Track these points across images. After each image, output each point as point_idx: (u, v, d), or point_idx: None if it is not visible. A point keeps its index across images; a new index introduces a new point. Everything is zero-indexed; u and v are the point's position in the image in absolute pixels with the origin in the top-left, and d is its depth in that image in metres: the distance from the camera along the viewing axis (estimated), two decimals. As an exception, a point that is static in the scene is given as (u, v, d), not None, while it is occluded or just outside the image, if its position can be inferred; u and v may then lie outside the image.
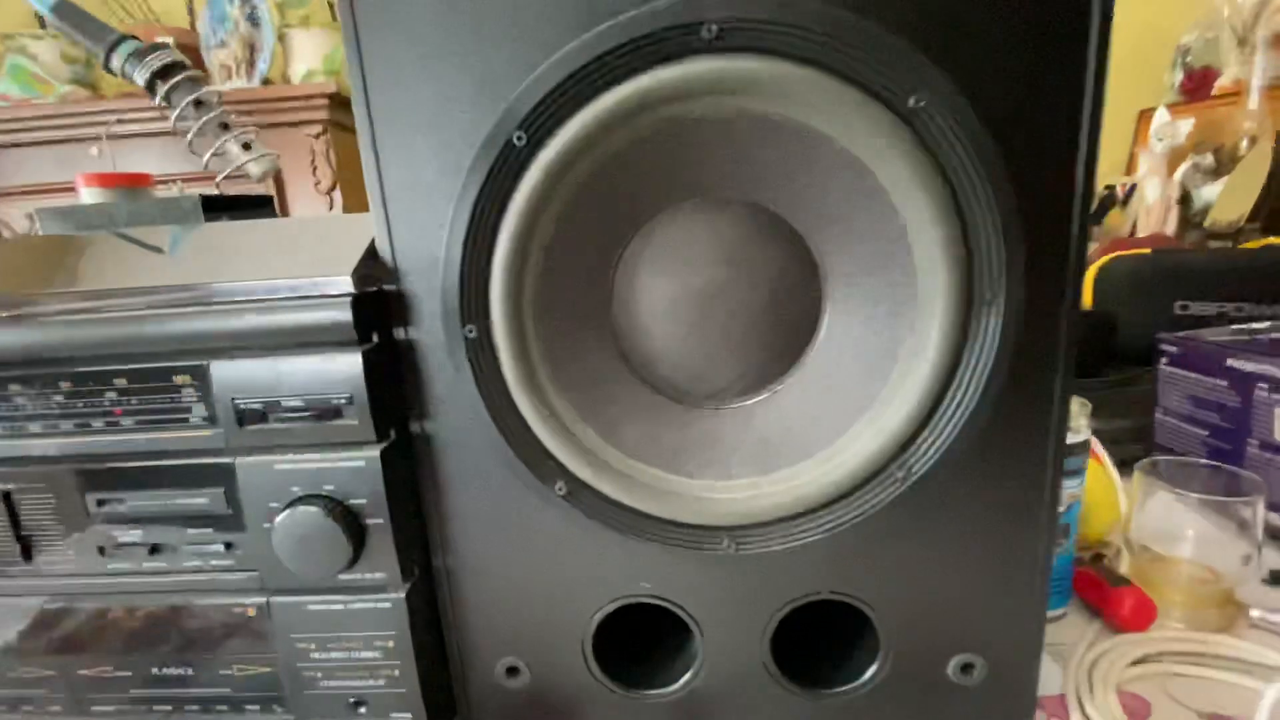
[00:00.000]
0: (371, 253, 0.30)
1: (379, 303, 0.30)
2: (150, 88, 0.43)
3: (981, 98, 0.27)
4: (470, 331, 0.30)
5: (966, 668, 0.34)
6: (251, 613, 0.33)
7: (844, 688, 0.35)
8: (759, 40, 0.26)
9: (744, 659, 0.35)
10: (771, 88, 0.27)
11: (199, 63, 1.41)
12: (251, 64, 1.40)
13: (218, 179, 0.46)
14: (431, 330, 0.31)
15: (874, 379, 0.31)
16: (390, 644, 0.33)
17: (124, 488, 0.31)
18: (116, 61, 0.43)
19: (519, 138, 0.28)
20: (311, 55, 1.40)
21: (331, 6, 1.49)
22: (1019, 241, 0.28)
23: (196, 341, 0.29)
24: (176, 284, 0.29)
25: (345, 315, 0.28)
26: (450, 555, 0.34)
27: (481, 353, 0.31)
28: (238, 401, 0.30)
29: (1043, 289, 0.29)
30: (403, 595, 0.32)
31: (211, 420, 0.30)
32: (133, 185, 0.46)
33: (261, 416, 0.30)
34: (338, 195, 1.39)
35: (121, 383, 0.30)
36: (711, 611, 0.34)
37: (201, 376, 0.30)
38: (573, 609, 0.35)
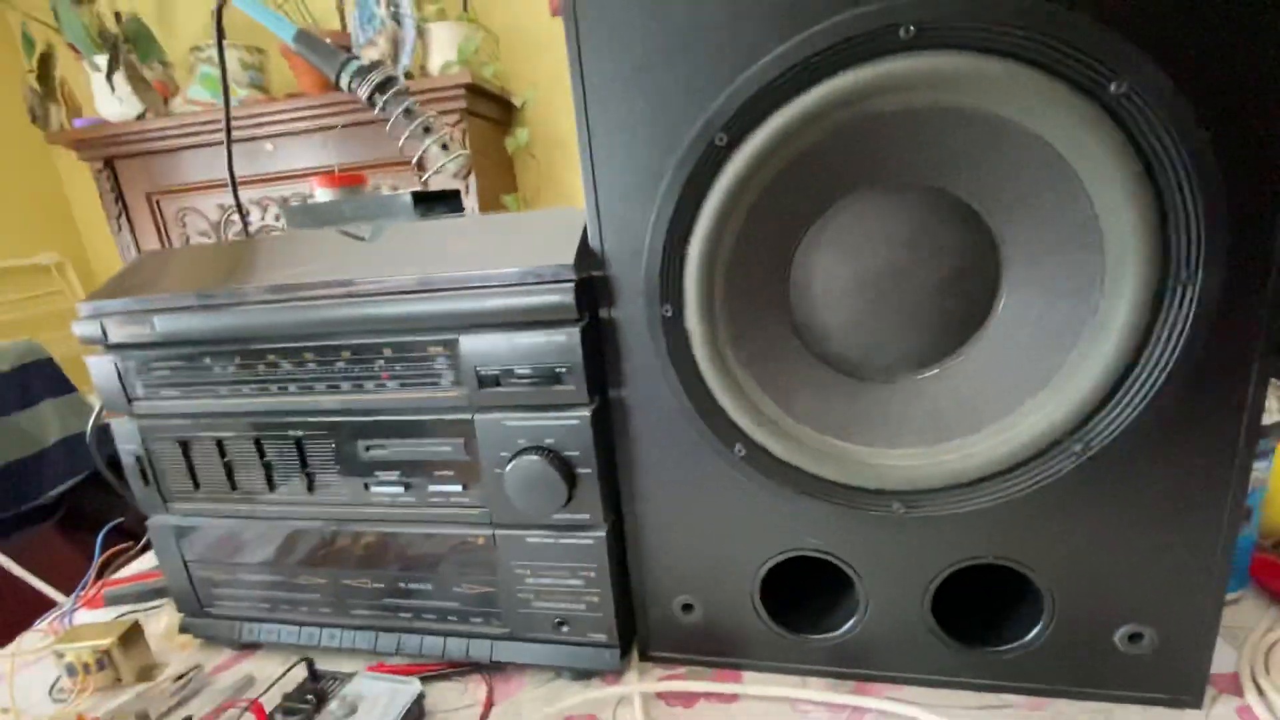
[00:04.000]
0: (584, 244, 0.35)
1: (590, 287, 0.35)
2: (370, 100, 0.51)
3: (1189, 82, 0.27)
4: (667, 311, 0.35)
5: (1135, 637, 0.35)
6: (481, 542, 0.40)
7: (1005, 646, 0.37)
8: (955, 37, 0.28)
9: (904, 613, 0.38)
10: (966, 81, 0.28)
11: (351, 61, 1.55)
12: (395, 58, 1.52)
13: (424, 177, 0.53)
14: (632, 310, 0.35)
15: (1052, 356, 0.32)
16: (591, 574, 0.39)
17: (386, 436, 0.39)
18: (345, 78, 0.50)
19: (720, 139, 0.31)
20: (447, 46, 1.50)
21: (465, 0, 1.58)
22: (1223, 224, 0.28)
23: (450, 320, 0.35)
24: (435, 274, 0.35)
25: (569, 298, 0.34)
26: (639, 503, 0.39)
27: (675, 330, 0.35)
28: (479, 369, 0.36)
29: (1243, 270, 0.29)
30: (604, 533, 0.38)
31: (458, 383, 0.37)
32: (354, 184, 0.54)
33: (496, 381, 0.36)
34: (472, 179, 1.49)
35: (388, 353, 0.37)
36: (875, 567, 0.37)
37: (452, 348, 0.36)
38: (743, 556, 0.39)
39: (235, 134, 1.56)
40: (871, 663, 0.39)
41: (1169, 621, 0.35)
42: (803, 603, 0.42)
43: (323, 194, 0.54)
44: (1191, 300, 0.29)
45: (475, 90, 1.44)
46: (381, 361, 0.37)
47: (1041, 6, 0.27)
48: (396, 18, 1.51)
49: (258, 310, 0.38)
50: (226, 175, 1.69)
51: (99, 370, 0.42)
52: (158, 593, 0.54)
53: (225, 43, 1.75)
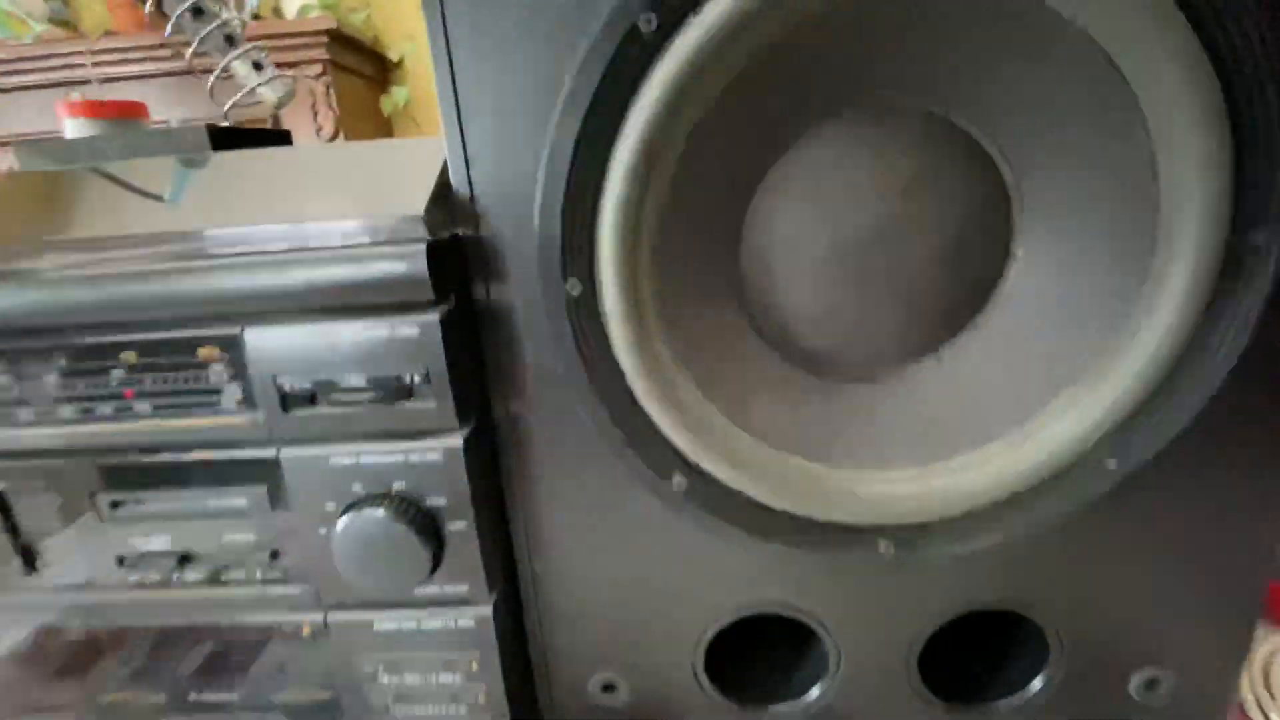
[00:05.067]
0: (444, 188, 0.23)
1: (454, 253, 0.24)
2: (138, -9, 0.35)
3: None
4: (573, 288, 0.24)
5: (1152, 683, 0.29)
6: (306, 631, 0.27)
7: (1001, 701, 0.30)
8: None
9: (885, 673, 0.30)
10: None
11: (184, -4, 1.29)
12: (242, -2, 1.28)
13: (226, 106, 0.38)
14: (523, 287, 0.24)
15: (1083, 343, 0.25)
16: (473, 665, 0.27)
17: (142, 486, 0.25)
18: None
19: (648, 20, 0.20)
20: (306, -13, 1.28)
21: (326, -71, 1.36)
22: (1314, 162, 0.21)
23: (226, 303, 0.22)
24: (195, 230, 0.22)
25: (420, 267, 0.22)
26: (539, 558, 0.28)
27: (585, 315, 0.24)
28: (281, 380, 0.23)
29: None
30: (489, 610, 0.27)
31: (248, 403, 0.24)
32: (125, 116, 0.38)
33: (311, 398, 0.24)
34: (340, 140, 1.29)
35: (130, 357, 0.24)
36: (850, 619, 0.29)
37: (234, 348, 0.23)
38: (683, 618, 0.29)
39: (32, 79, 1.26)
40: (844, 734, 0.31)
41: (1190, 663, 0.29)
42: (756, 660, 0.33)
43: (76, 126, 0.37)
44: (1271, 263, 0.22)
45: (341, 39, 1.24)
46: (121, 372, 0.24)
47: None
48: (241, -53, 1.27)
49: (-101, 293, 0.23)
50: (22, 129, 1.37)
51: None
52: None
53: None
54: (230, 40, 0.37)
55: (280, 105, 0.39)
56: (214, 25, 0.36)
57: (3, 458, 0.26)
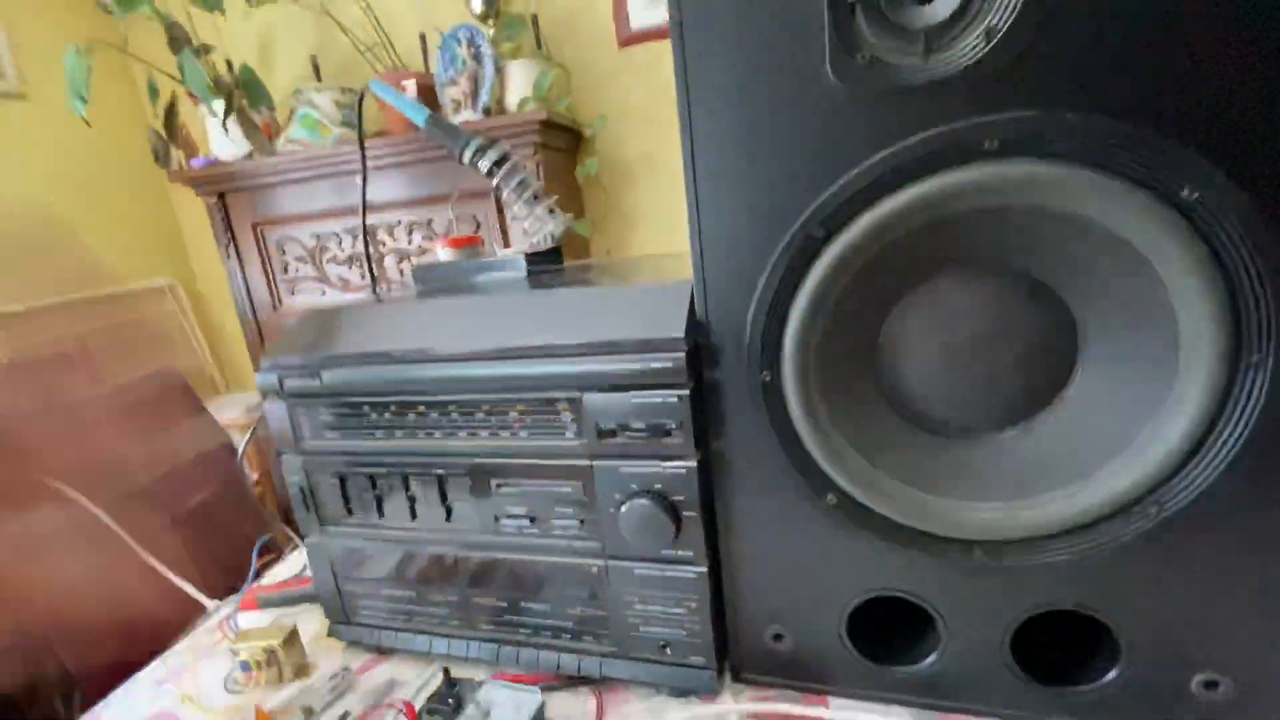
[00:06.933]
0: (691, 314, 0.40)
1: (696, 352, 0.40)
2: (490, 173, 0.57)
3: (1255, 183, 0.30)
4: (766, 376, 0.39)
5: (1210, 685, 0.37)
6: (595, 571, 0.45)
7: (1080, 687, 0.40)
8: (1035, 148, 0.32)
9: (984, 652, 0.41)
10: (1049, 187, 0.32)
11: (435, 100, 1.66)
12: (475, 95, 1.62)
13: (534, 238, 0.60)
14: (732, 373, 0.40)
15: (1128, 426, 0.35)
16: (693, 604, 0.44)
17: (516, 476, 0.45)
18: (467, 155, 0.58)
19: (818, 232, 0.36)
20: (523, 83, 1.60)
21: (538, 37, 1.68)
22: (1291, 308, 0.31)
23: (577, 380, 0.41)
24: (565, 340, 0.41)
25: (680, 365, 0.39)
26: (734, 543, 0.44)
27: (772, 393, 0.40)
28: (599, 423, 0.42)
29: (1315, 347, 0.31)
30: (705, 569, 0.43)
31: (580, 435, 0.43)
32: (470, 244, 0.61)
33: (613, 433, 0.42)
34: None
35: (522, 408, 0.43)
36: (956, 608, 0.41)
37: (576, 405, 0.42)
38: (831, 594, 0.43)
39: (329, 170, 1.69)
40: (951, 695, 0.43)
41: (1247, 673, 0.37)
42: (887, 635, 0.45)
43: (445, 253, 0.61)
44: (1262, 378, 0.32)
45: (549, 125, 1.52)
46: (515, 414, 0.44)
47: (1113, 124, 0.30)
48: (477, 58, 1.61)
49: (411, 369, 0.45)
50: (321, 207, 1.80)
51: (274, 414, 0.50)
52: (302, 598, 0.63)
53: (321, 84, 1.85)
54: (537, 198, 0.58)
55: (561, 237, 0.59)
56: (530, 190, 0.57)
57: (445, 456, 0.47)
